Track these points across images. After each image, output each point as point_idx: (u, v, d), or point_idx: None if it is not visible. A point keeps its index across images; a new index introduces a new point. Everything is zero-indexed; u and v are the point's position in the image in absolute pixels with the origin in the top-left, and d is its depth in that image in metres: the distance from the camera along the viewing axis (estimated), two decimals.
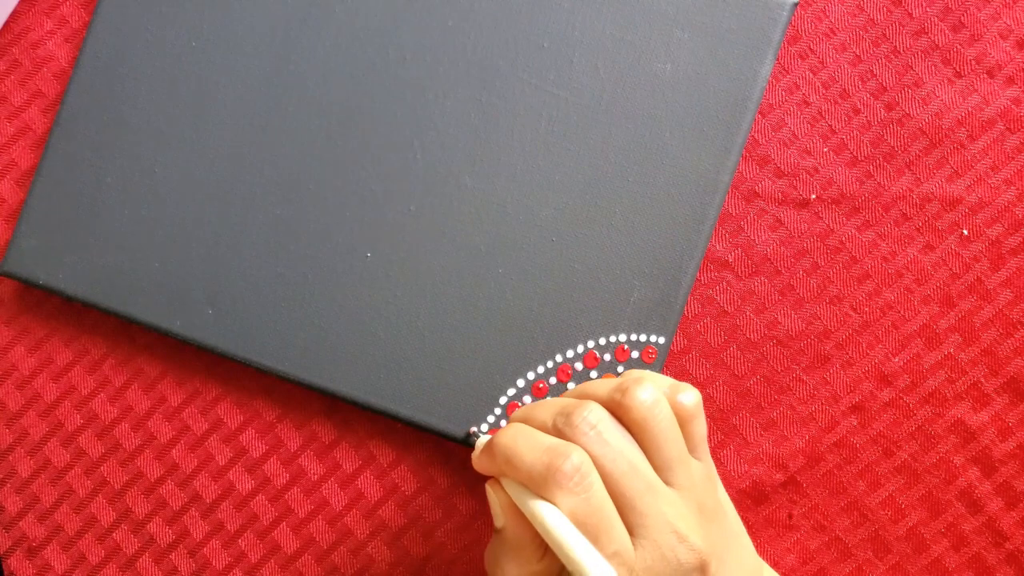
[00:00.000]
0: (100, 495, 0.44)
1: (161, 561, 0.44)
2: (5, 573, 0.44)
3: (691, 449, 0.36)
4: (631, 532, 0.33)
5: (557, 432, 0.34)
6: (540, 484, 0.32)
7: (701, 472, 0.36)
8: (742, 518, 0.43)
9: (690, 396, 0.35)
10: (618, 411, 0.34)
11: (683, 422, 0.35)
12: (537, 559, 0.34)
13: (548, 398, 0.40)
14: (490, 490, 0.35)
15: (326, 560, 0.44)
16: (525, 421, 0.35)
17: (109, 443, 0.44)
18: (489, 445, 0.35)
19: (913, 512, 0.43)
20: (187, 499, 0.44)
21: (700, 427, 0.36)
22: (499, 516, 0.35)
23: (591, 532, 0.32)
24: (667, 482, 0.35)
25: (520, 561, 0.34)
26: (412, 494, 0.44)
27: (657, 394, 0.34)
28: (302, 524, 0.44)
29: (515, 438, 0.34)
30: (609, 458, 0.33)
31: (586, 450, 0.33)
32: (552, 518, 0.32)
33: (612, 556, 0.33)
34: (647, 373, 0.36)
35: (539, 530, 0.32)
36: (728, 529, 0.37)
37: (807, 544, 0.43)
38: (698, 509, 0.35)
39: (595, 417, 0.34)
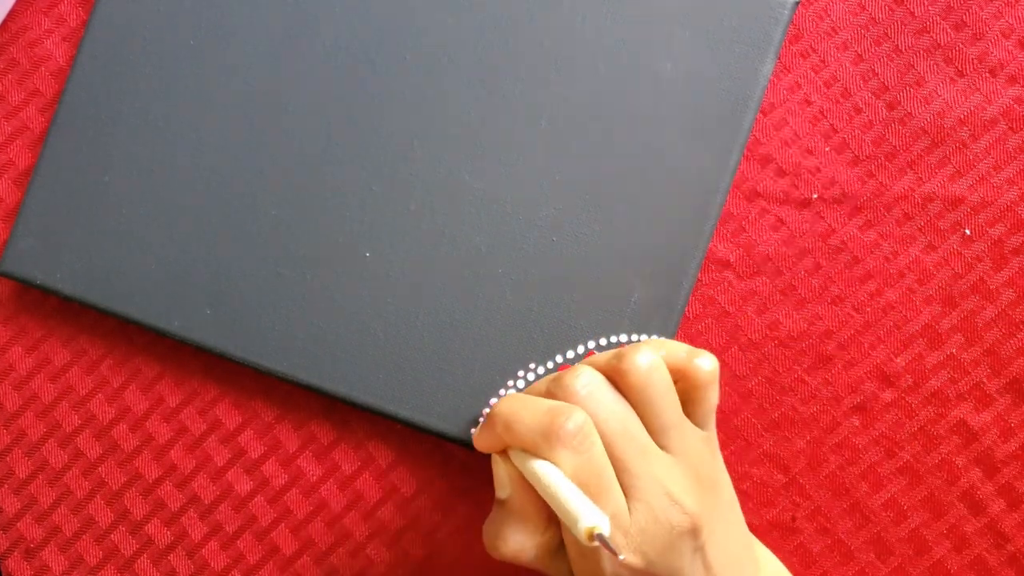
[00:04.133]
0: (98, 496, 0.44)
1: (159, 562, 0.44)
2: (3, 574, 0.44)
3: (700, 417, 0.36)
4: (625, 494, 0.33)
5: (550, 396, 0.34)
6: (542, 445, 0.33)
7: (700, 439, 0.36)
8: (746, 520, 0.43)
9: (707, 362, 0.35)
10: (615, 376, 0.34)
11: (696, 387, 0.35)
12: (541, 530, 0.35)
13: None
14: (496, 460, 0.35)
15: (325, 561, 0.43)
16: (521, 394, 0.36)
17: (107, 444, 0.44)
18: (488, 416, 0.35)
19: (915, 514, 0.43)
20: (185, 500, 0.44)
21: (712, 396, 0.36)
22: (504, 486, 0.35)
23: (591, 493, 0.32)
24: (663, 447, 0.35)
25: (524, 532, 0.34)
26: (411, 495, 0.44)
27: (655, 359, 0.34)
28: (301, 525, 0.44)
29: (512, 404, 0.34)
30: (602, 418, 0.34)
31: None
32: (552, 474, 0.32)
33: (610, 517, 0.33)
34: (663, 340, 0.36)
35: (538, 488, 0.32)
36: (722, 500, 0.37)
37: (810, 548, 0.43)
38: (694, 475, 0.35)
39: (586, 379, 0.34)
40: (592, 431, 0.33)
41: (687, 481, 0.35)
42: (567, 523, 0.30)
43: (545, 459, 0.33)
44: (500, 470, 0.35)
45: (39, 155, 0.43)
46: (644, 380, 0.34)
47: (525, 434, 0.33)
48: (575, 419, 0.32)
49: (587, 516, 0.30)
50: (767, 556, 0.41)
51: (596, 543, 0.30)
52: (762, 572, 0.39)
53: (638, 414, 0.34)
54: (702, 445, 0.36)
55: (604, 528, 0.29)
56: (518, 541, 0.34)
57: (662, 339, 0.37)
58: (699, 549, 0.35)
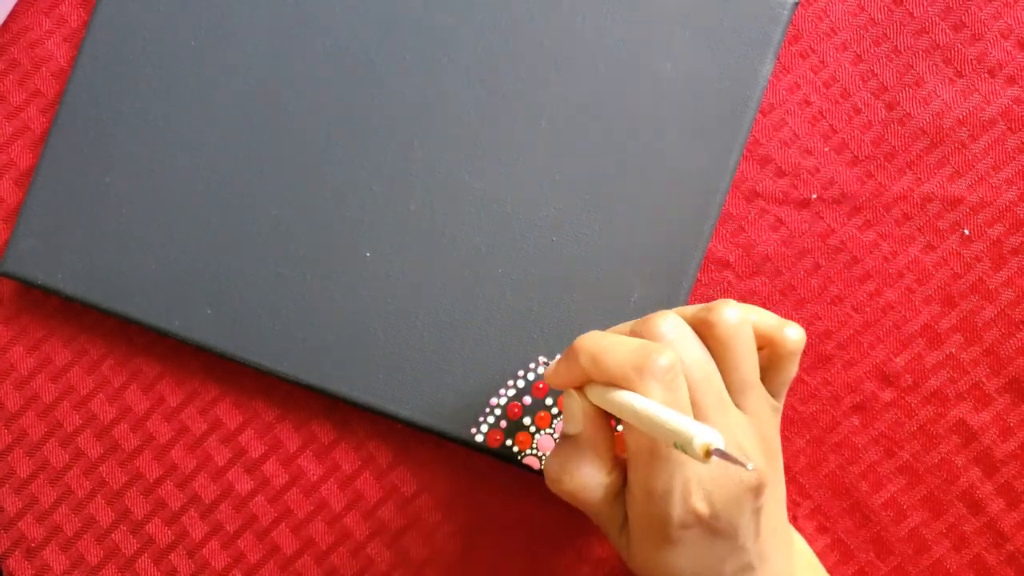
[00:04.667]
0: (99, 496, 0.44)
1: (160, 562, 0.44)
2: (4, 574, 0.44)
3: (776, 386, 0.36)
4: None
5: (635, 335, 0.34)
6: (633, 378, 0.32)
7: (771, 408, 0.36)
8: None
9: (796, 332, 0.35)
10: (701, 328, 0.35)
11: (781, 356, 0.35)
12: (608, 470, 0.35)
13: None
14: (570, 395, 0.35)
15: (325, 561, 0.44)
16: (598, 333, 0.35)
17: (108, 443, 0.44)
18: (571, 350, 0.34)
19: (915, 513, 0.43)
20: (186, 500, 0.44)
21: (793, 367, 0.36)
22: (577, 421, 0.35)
23: None
24: (737, 404, 0.35)
25: (594, 467, 0.35)
26: (411, 495, 0.44)
27: (744, 316, 0.35)
28: (301, 525, 0.44)
29: (600, 339, 0.34)
30: (686, 364, 0.33)
31: None
32: (649, 402, 0.31)
33: (686, 462, 0.33)
34: (754, 306, 0.36)
35: (629, 417, 0.32)
36: (779, 473, 0.37)
37: (810, 547, 0.43)
38: (760, 439, 0.35)
39: (673, 322, 0.34)
40: (680, 371, 0.33)
41: (756, 442, 0.35)
42: (680, 442, 0.29)
43: (635, 392, 0.32)
44: (575, 405, 0.35)
45: (40, 155, 0.43)
46: (731, 334, 0.34)
47: (615, 367, 0.33)
48: (668, 355, 0.32)
49: (702, 432, 0.28)
50: (801, 542, 0.41)
51: (713, 459, 0.29)
52: (796, 556, 0.39)
53: (719, 367, 0.34)
54: (771, 414, 0.36)
55: (720, 443, 0.28)
56: (587, 475, 0.35)
57: (752, 305, 0.37)
58: (756, 511, 0.35)
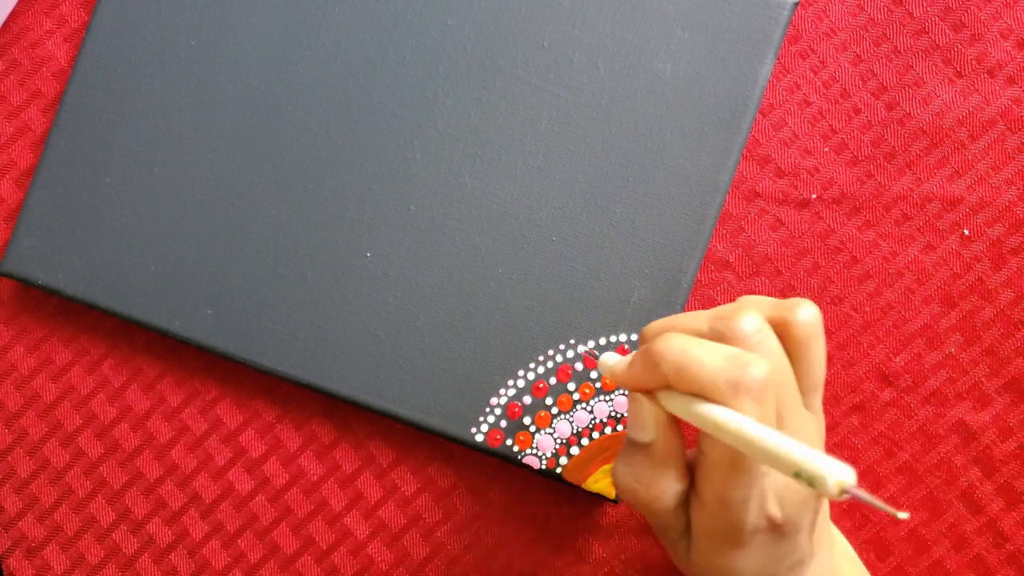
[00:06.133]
0: (99, 495, 0.44)
1: (160, 561, 0.44)
2: (4, 573, 0.44)
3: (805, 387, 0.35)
4: None
5: (717, 336, 0.32)
6: (726, 393, 0.30)
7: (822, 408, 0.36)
8: None
9: (808, 311, 0.34)
10: (780, 326, 0.33)
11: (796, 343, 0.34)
12: (681, 478, 0.33)
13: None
14: (642, 401, 0.33)
15: (325, 560, 0.44)
16: (672, 328, 0.34)
17: (108, 443, 0.44)
18: (649, 355, 0.32)
19: (914, 513, 0.43)
20: (186, 499, 0.44)
21: (812, 354, 0.35)
22: (649, 429, 0.33)
23: None
24: (806, 406, 0.34)
25: (670, 477, 0.33)
26: (412, 494, 0.44)
27: (819, 317, 0.34)
28: (301, 524, 0.44)
29: (685, 345, 0.32)
30: (775, 369, 0.32)
31: None
32: (758, 426, 0.29)
33: (766, 473, 0.32)
34: (764, 298, 0.35)
35: (730, 438, 0.30)
36: None
37: None
38: (822, 439, 0.35)
39: (757, 324, 0.32)
40: (771, 383, 0.31)
41: (820, 443, 0.34)
42: (808, 477, 0.27)
43: (725, 407, 0.30)
44: (646, 412, 0.33)
45: (41, 156, 0.43)
46: (809, 334, 0.33)
47: (704, 379, 0.31)
48: (761, 368, 0.30)
49: (836, 471, 0.27)
50: (839, 534, 0.41)
51: (847, 496, 0.27)
52: (835, 546, 0.39)
53: (793, 368, 0.33)
54: (823, 414, 0.36)
55: (853, 481, 0.27)
56: (661, 485, 0.33)
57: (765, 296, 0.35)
58: (817, 512, 0.34)
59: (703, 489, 0.32)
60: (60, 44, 0.45)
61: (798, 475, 0.27)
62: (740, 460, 0.31)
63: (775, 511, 0.32)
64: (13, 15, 0.45)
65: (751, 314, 0.32)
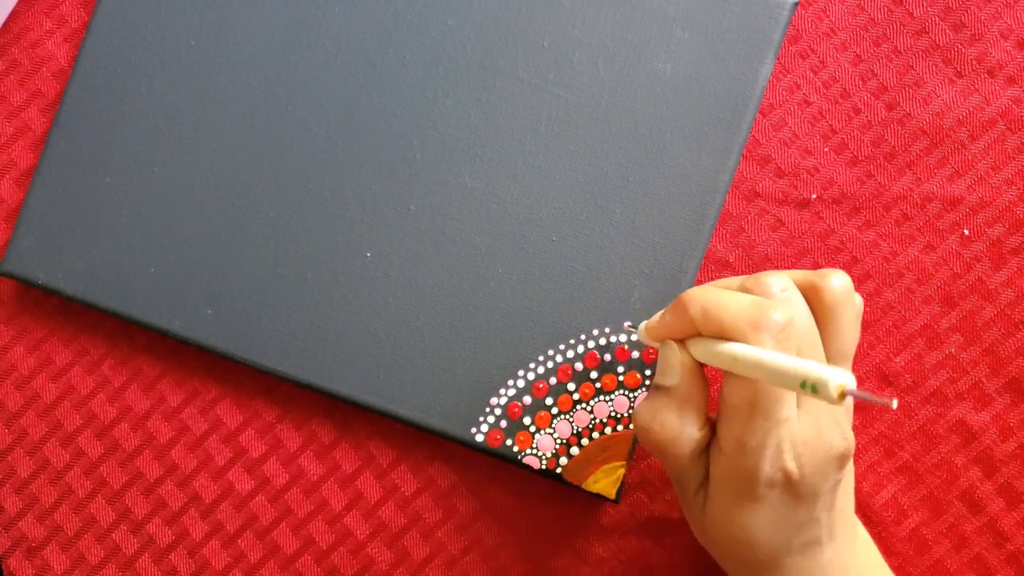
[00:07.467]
0: (99, 495, 0.44)
1: (160, 561, 0.44)
2: (4, 573, 0.44)
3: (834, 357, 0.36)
4: (796, 404, 0.34)
5: (745, 291, 0.34)
6: (748, 332, 0.32)
7: None
8: None
9: (839, 279, 0.36)
10: (809, 292, 0.35)
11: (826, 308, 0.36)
12: (700, 425, 0.35)
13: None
14: (669, 346, 0.35)
15: (325, 561, 0.44)
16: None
17: (108, 443, 0.44)
18: (679, 303, 0.34)
19: (915, 513, 0.43)
20: (186, 499, 0.44)
21: (843, 321, 0.36)
22: (675, 373, 0.35)
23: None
24: None
25: (686, 420, 0.35)
26: (412, 494, 0.44)
27: (851, 286, 0.35)
28: (301, 524, 0.44)
29: (712, 293, 0.34)
30: (797, 323, 0.34)
31: None
32: (770, 353, 0.31)
33: (783, 421, 0.33)
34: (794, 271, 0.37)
35: (745, 368, 0.31)
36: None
37: None
38: (848, 411, 0.36)
39: (785, 283, 0.34)
40: (793, 329, 0.33)
41: (847, 415, 0.35)
42: (812, 382, 0.29)
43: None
44: (673, 357, 0.35)
45: (41, 156, 0.43)
46: (839, 300, 0.35)
47: (728, 321, 0.33)
48: (783, 311, 0.32)
49: (837, 374, 0.28)
50: (864, 532, 0.41)
51: (847, 400, 0.28)
52: (858, 541, 0.39)
53: (821, 333, 0.35)
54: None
55: (853, 384, 0.28)
56: (679, 427, 0.35)
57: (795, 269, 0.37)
58: (836, 483, 0.35)
59: (722, 435, 0.34)
60: (60, 44, 0.45)
61: (804, 385, 0.29)
62: (759, 403, 0.33)
63: (791, 465, 0.33)
64: (13, 15, 0.45)
65: (780, 275, 0.34)
